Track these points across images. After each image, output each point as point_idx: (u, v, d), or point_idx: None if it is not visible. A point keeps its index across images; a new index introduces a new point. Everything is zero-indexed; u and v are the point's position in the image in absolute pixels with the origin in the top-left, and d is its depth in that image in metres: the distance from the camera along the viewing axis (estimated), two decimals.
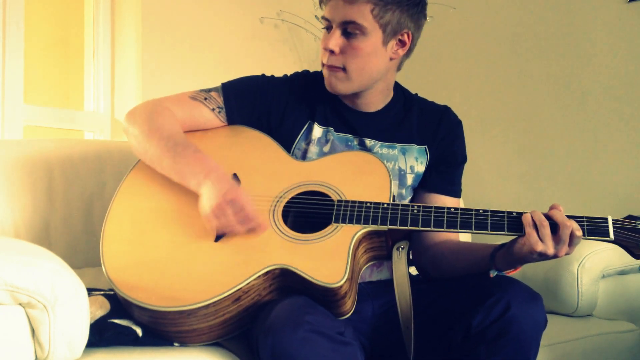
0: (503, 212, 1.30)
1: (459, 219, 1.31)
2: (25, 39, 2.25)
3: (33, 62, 2.41)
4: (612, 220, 1.26)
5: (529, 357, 1.25)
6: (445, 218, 1.31)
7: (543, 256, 1.26)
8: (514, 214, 1.29)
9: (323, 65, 1.46)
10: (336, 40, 1.42)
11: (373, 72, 1.45)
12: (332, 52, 1.43)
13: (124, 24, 2.53)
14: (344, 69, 1.44)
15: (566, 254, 1.26)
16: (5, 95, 2.21)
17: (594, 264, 1.94)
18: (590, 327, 1.88)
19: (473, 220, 1.30)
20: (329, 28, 1.45)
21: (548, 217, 1.26)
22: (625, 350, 1.89)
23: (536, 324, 1.25)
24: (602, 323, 1.94)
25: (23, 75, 2.25)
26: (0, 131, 2.20)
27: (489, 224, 1.29)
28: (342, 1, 1.40)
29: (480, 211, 1.31)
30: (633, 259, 1.27)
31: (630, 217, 1.28)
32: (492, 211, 1.30)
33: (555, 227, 1.25)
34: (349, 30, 1.41)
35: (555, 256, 1.26)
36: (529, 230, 1.25)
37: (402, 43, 1.46)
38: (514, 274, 1.34)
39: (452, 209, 1.32)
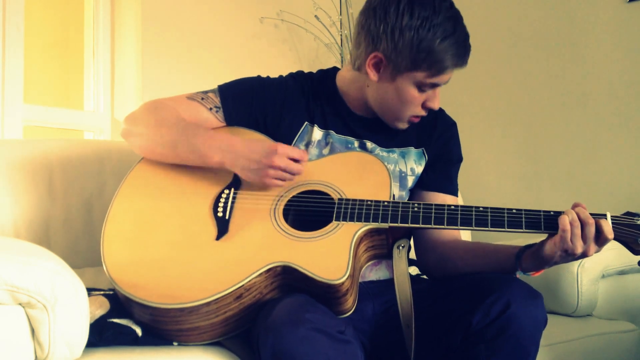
0: (503, 209, 1.30)
1: (459, 216, 1.31)
2: (25, 39, 2.26)
3: (33, 62, 2.42)
4: (611, 216, 1.26)
5: (529, 355, 1.25)
6: (445, 215, 1.32)
7: (570, 256, 1.25)
8: (514, 210, 1.30)
9: (414, 116, 1.46)
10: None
11: None
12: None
13: (124, 24, 2.53)
14: None
15: (596, 252, 1.26)
16: (5, 95, 2.21)
17: (593, 264, 1.93)
18: (590, 327, 1.88)
19: (473, 216, 1.31)
20: (425, 90, 1.43)
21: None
22: (625, 350, 1.89)
23: (536, 323, 1.24)
24: (602, 323, 1.94)
25: (23, 75, 2.25)
26: (0, 131, 2.20)
27: (489, 220, 1.30)
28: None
29: (480, 208, 1.31)
30: (633, 258, 1.27)
31: (628, 213, 1.28)
32: (492, 208, 1.31)
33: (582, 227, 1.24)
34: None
35: (584, 255, 1.25)
36: (565, 228, 1.23)
37: None
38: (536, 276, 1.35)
39: (452, 206, 1.33)
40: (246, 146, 1.36)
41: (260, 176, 1.34)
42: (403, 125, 1.49)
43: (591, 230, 1.23)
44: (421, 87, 1.41)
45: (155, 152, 1.44)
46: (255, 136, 1.49)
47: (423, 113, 1.46)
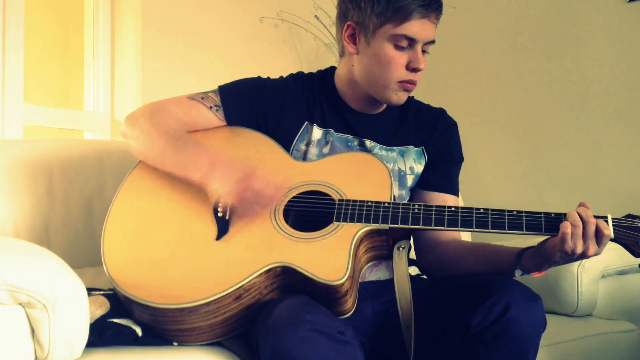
0: (503, 210, 1.31)
1: (459, 217, 1.31)
2: (25, 38, 2.26)
3: (33, 61, 2.41)
4: (612, 218, 1.27)
5: (528, 358, 1.25)
6: (445, 216, 1.32)
7: (570, 256, 1.25)
8: (514, 212, 1.30)
9: (403, 82, 1.43)
10: (425, 59, 1.43)
11: None
12: (419, 70, 1.43)
13: (124, 24, 2.53)
14: None
15: (596, 254, 1.25)
16: (5, 95, 2.21)
17: (593, 263, 1.94)
18: (590, 327, 1.88)
19: (474, 218, 1.31)
20: (402, 47, 1.41)
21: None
22: (625, 350, 1.89)
23: (535, 325, 1.25)
24: (602, 323, 1.94)
25: (23, 75, 2.25)
26: (0, 131, 2.20)
27: (489, 222, 1.30)
28: (429, 22, 1.41)
29: (481, 210, 1.31)
30: (633, 258, 1.27)
31: (629, 215, 1.28)
32: (492, 210, 1.31)
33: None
34: (425, 48, 1.44)
35: (583, 255, 1.25)
36: (566, 231, 1.23)
37: None
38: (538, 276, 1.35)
39: (453, 208, 1.33)
40: (226, 167, 1.33)
41: (229, 198, 1.31)
42: (396, 96, 1.46)
43: (591, 229, 1.23)
44: (397, 43, 1.41)
45: (147, 158, 1.44)
46: (255, 136, 1.50)
47: (411, 77, 1.44)
